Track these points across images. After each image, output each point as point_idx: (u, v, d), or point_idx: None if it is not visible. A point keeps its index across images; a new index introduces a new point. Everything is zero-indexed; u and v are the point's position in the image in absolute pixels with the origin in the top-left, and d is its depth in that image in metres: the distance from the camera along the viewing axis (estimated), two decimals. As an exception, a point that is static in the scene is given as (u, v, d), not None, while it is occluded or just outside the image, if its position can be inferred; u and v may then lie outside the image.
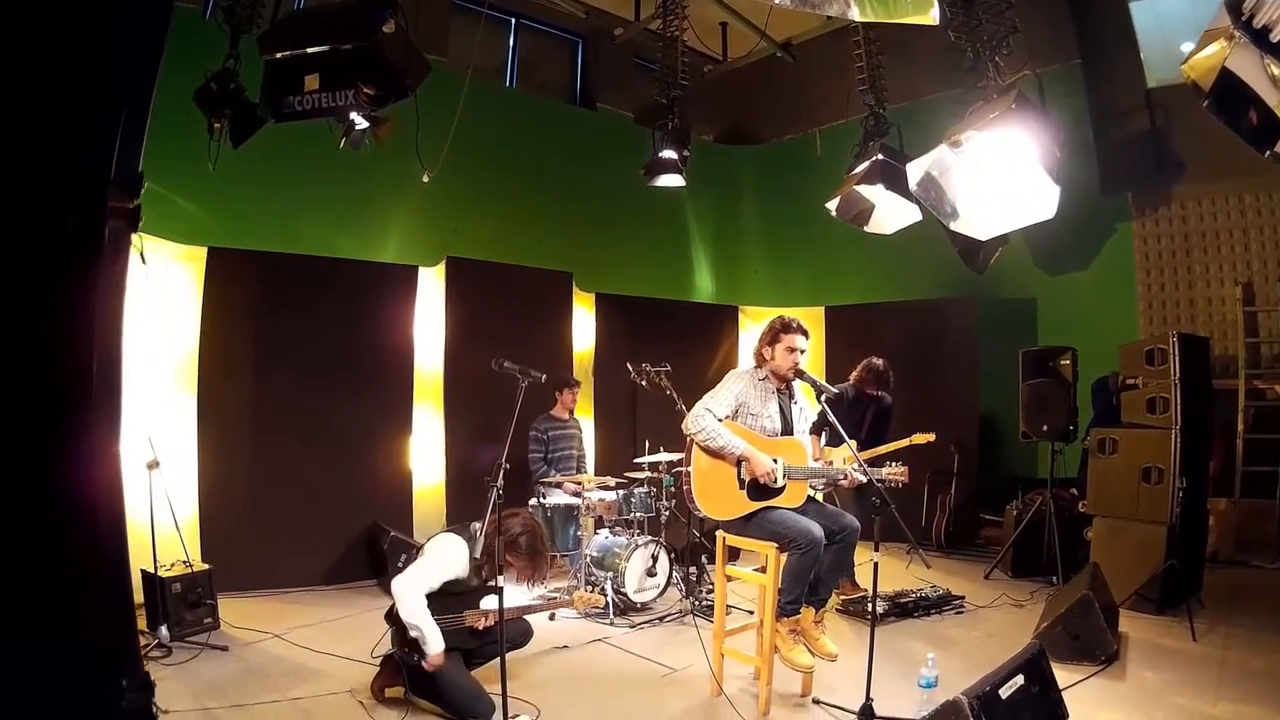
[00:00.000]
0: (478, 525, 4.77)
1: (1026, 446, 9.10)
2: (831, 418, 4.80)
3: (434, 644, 4.49)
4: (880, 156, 7.03)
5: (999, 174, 5.80)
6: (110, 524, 1.93)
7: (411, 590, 4.52)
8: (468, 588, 4.82)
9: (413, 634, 4.52)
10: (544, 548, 4.99)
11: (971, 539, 9.32)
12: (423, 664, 4.52)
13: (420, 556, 4.83)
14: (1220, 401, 7.98)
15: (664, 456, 7.21)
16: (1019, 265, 9.50)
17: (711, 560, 6.32)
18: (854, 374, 7.44)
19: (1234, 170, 8.28)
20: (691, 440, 4.84)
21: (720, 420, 4.80)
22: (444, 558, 4.73)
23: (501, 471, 4.21)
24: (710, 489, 4.80)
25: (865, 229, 7.50)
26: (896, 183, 6.80)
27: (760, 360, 5.06)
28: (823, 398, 4.80)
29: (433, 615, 4.59)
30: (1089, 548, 7.10)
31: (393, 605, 4.64)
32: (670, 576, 7.02)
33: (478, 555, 4.64)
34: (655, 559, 6.86)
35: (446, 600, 4.71)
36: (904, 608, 6.66)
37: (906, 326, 9.74)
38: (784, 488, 4.80)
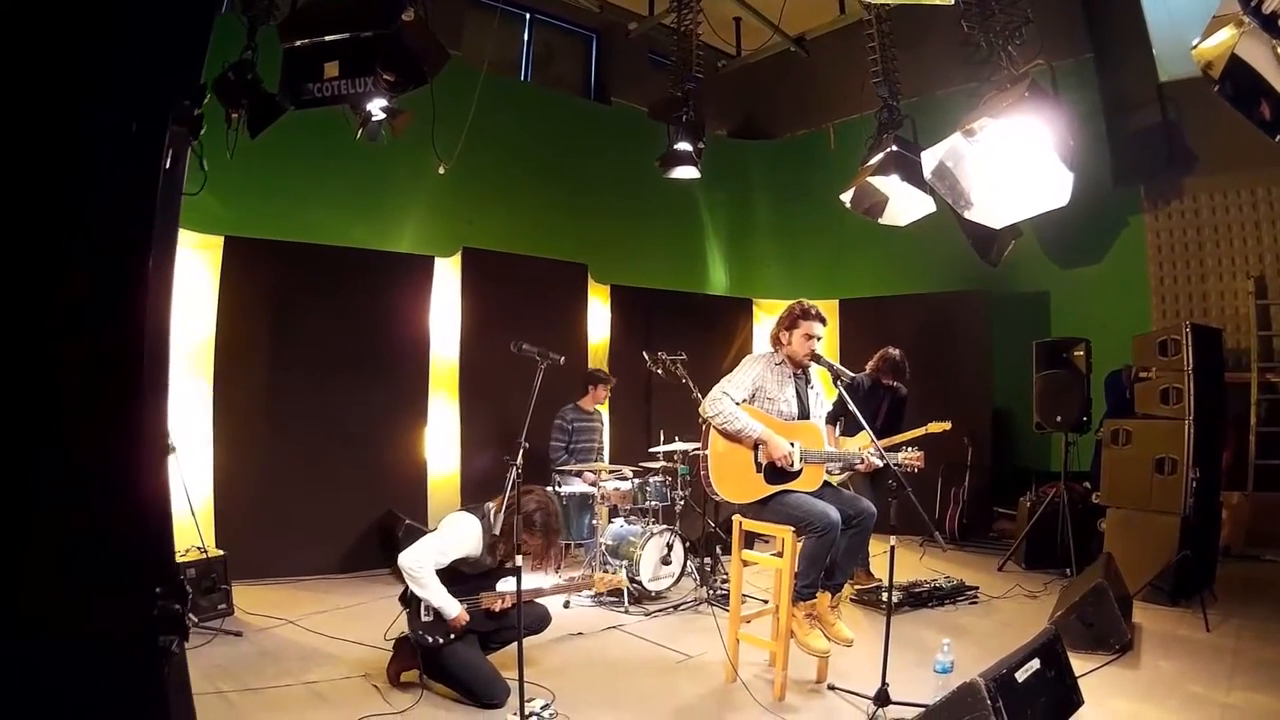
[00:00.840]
0: (491, 505, 4.79)
1: (1040, 440, 9.12)
2: (850, 403, 4.82)
3: (449, 608, 4.53)
4: (894, 148, 7.02)
5: (1013, 162, 5.81)
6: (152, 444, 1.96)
7: (418, 563, 4.53)
8: (483, 568, 4.82)
9: (431, 605, 4.54)
10: (558, 526, 4.99)
11: (985, 532, 9.32)
12: (443, 640, 4.56)
13: (439, 529, 4.84)
14: (1233, 395, 7.94)
15: (679, 446, 7.22)
16: (1032, 258, 9.53)
17: (726, 551, 6.34)
18: (870, 364, 7.42)
19: (1246, 164, 8.30)
20: (709, 423, 4.86)
21: (737, 404, 4.81)
22: (454, 533, 4.72)
23: (521, 450, 4.23)
24: (727, 472, 4.81)
25: (879, 221, 7.49)
26: (911, 174, 6.79)
27: (777, 344, 5.08)
28: (839, 383, 4.82)
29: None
30: (1102, 540, 7.10)
31: (406, 588, 4.66)
32: (685, 566, 7.03)
33: (495, 532, 4.66)
34: (670, 547, 6.88)
35: (462, 582, 4.72)
36: (918, 597, 6.66)
37: (920, 319, 9.75)
38: (801, 471, 4.81)
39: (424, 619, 4.60)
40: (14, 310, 1.80)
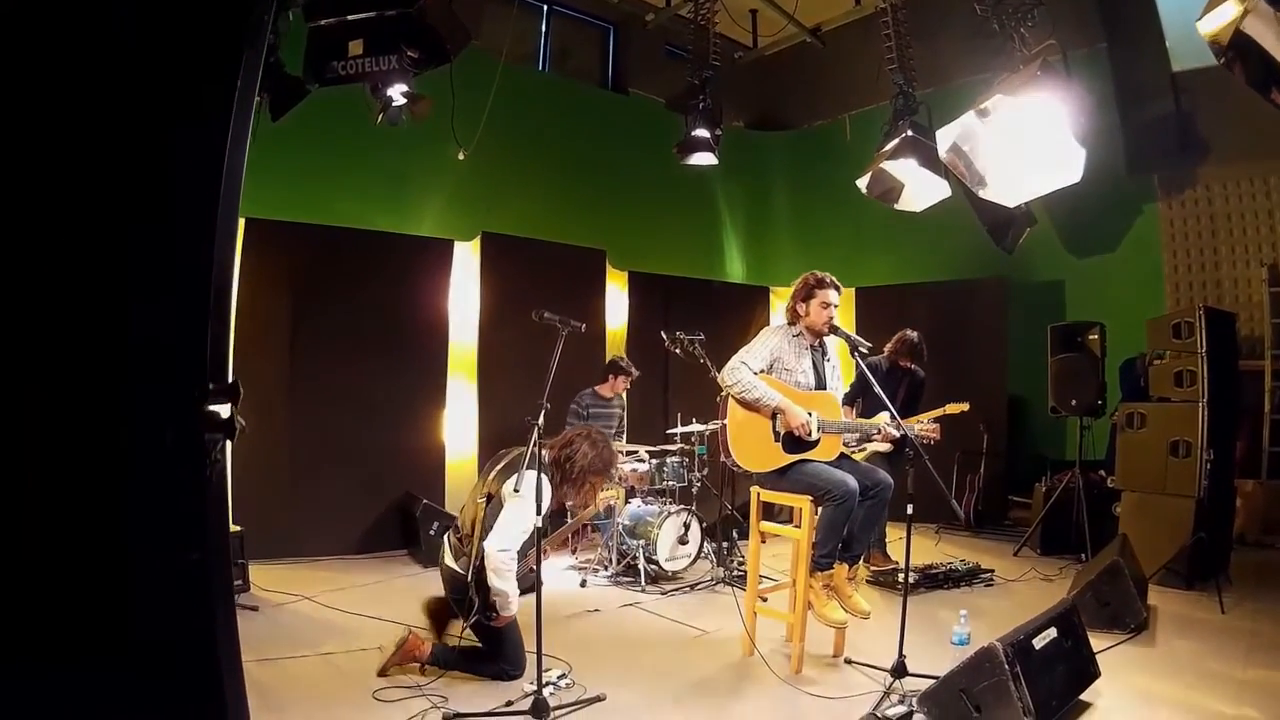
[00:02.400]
0: (546, 456, 4.66)
1: (1055, 427, 9.12)
2: (868, 374, 4.86)
3: (511, 609, 4.48)
4: (910, 133, 7.04)
5: (1026, 139, 5.85)
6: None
7: (510, 556, 4.39)
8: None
9: (496, 597, 4.43)
10: (612, 452, 4.93)
11: (1000, 519, 9.33)
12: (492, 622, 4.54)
13: (511, 504, 4.47)
14: (1246, 383, 7.93)
15: (696, 427, 7.25)
16: (1047, 247, 9.56)
17: (743, 535, 6.35)
18: (888, 346, 7.38)
19: (1259, 153, 8.30)
20: (727, 393, 4.90)
21: (755, 374, 4.86)
22: (535, 506, 4.36)
23: (543, 411, 4.23)
24: (746, 441, 4.86)
25: (895, 207, 7.50)
26: (926, 158, 6.82)
27: (794, 316, 5.10)
28: (857, 353, 4.85)
29: None
30: (1117, 524, 7.10)
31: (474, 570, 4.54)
32: (701, 546, 7.08)
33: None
34: (687, 528, 6.92)
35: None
36: (934, 579, 6.68)
37: (936, 307, 9.74)
38: (818, 441, 4.85)
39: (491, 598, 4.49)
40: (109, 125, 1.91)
